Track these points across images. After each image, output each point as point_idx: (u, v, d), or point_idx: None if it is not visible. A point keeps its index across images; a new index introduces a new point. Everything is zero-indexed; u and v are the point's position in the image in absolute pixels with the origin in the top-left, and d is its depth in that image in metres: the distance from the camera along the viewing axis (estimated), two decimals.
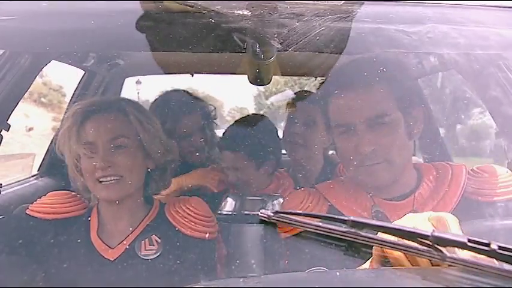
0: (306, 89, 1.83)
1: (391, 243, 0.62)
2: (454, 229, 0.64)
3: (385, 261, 0.64)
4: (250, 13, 0.92)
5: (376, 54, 0.96)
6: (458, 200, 0.90)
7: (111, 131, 0.94)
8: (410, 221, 0.67)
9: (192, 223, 0.96)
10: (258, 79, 1.31)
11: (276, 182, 1.36)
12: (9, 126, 1.29)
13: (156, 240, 0.93)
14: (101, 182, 0.92)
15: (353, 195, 0.95)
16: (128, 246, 0.93)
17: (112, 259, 0.92)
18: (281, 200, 1.17)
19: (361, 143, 0.89)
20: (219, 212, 1.19)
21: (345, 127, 0.92)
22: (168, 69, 1.74)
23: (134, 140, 0.95)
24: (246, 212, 1.18)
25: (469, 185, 0.93)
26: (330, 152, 1.54)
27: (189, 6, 0.94)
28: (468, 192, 0.92)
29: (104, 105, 0.99)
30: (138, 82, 2.23)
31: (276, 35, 0.90)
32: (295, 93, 1.65)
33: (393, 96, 0.90)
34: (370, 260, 0.66)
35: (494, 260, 0.54)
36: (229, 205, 1.21)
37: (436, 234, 0.57)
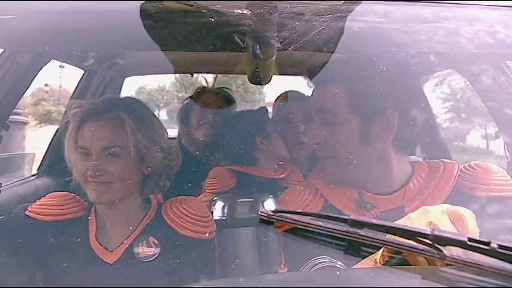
0: None
1: (390, 242, 0.62)
2: (470, 224, 0.66)
3: (386, 261, 0.65)
4: (250, 12, 0.92)
5: (375, 53, 0.96)
6: (448, 194, 0.90)
7: (106, 140, 0.94)
8: (426, 214, 0.68)
9: (190, 223, 0.95)
10: (257, 78, 1.31)
11: (287, 172, 1.38)
12: (9, 126, 1.29)
13: (154, 242, 0.93)
14: (89, 182, 0.93)
15: (343, 189, 0.97)
16: (126, 249, 0.93)
17: (111, 262, 0.92)
18: (273, 202, 1.18)
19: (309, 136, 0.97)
20: (217, 211, 1.19)
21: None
22: (167, 69, 1.74)
23: (128, 148, 0.95)
24: (245, 211, 1.18)
25: (463, 178, 0.93)
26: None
27: (189, 5, 0.94)
28: (461, 186, 0.92)
29: (102, 110, 0.98)
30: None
31: (275, 34, 0.90)
32: (289, 93, 1.67)
33: (351, 97, 0.93)
34: (369, 257, 0.66)
35: (494, 259, 0.54)
36: (226, 205, 1.21)
37: (436, 233, 0.57)
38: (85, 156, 0.94)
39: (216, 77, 1.83)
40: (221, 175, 1.32)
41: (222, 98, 1.71)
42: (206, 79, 1.80)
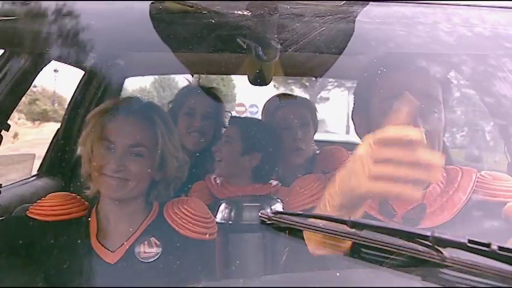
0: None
1: (390, 244, 0.62)
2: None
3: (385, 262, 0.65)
4: (250, 13, 0.92)
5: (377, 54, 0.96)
6: (467, 199, 0.90)
7: (134, 138, 0.95)
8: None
9: (191, 224, 0.96)
10: (258, 79, 1.31)
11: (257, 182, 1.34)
12: (9, 126, 1.29)
13: (155, 243, 0.93)
14: (106, 175, 0.93)
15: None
16: (127, 250, 0.93)
17: (112, 263, 0.92)
18: (279, 204, 1.17)
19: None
20: (218, 213, 1.19)
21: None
22: (168, 70, 1.74)
23: (153, 151, 0.96)
24: (245, 213, 1.18)
25: (478, 186, 0.92)
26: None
27: (189, 6, 0.94)
28: (477, 193, 0.92)
29: (134, 108, 0.99)
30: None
31: (276, 36, 0.90)
32: (282, 97, 1.63)
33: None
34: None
35: (495, 261, 0.54)
36: (227, 206, 1.21)
37: (436, 235, 0.57)
38: (107, 150, 0.94)
39: (199, 77, 1.73)
40: (202, 190, 1.30)
41: (209, 100, 1.55)
42: (189, 80, 1.68)
